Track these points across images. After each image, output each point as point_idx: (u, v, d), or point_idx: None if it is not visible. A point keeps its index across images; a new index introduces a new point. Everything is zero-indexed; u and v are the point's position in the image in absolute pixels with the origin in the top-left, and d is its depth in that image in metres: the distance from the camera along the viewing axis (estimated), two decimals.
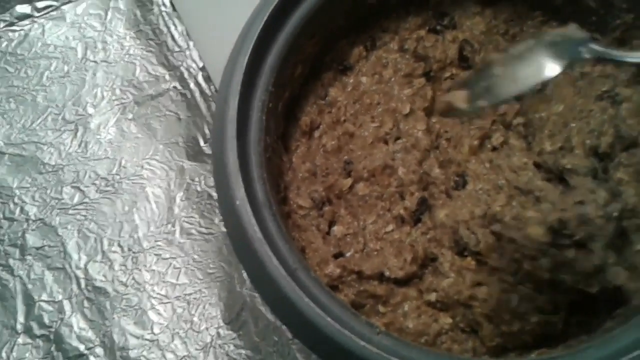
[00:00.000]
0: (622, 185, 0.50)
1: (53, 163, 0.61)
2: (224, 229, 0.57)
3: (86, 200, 0.59)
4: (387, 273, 0.49)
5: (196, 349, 0.54)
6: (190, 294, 0.56)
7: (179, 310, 0.56)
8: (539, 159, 0.50)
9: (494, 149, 0.53)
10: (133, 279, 0.57)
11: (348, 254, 0.51)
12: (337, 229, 0.52)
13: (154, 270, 0.57)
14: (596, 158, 0.51)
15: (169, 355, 0.54)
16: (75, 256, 0.58)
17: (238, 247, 0.44)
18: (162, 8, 0.65)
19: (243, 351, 0.53)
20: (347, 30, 0.56)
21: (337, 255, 0.50)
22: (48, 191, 0.60)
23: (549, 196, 0.48)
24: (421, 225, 0.51)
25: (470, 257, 0.48)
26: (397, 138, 0.53)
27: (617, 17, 0.51)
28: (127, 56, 0.64)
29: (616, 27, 0.52)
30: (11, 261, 0.58)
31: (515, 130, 0.53)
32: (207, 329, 0.55)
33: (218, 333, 0.54)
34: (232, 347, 0.54)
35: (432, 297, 0.48)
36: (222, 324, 0.55)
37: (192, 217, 0.58)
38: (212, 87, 0.62)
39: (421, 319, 0.48)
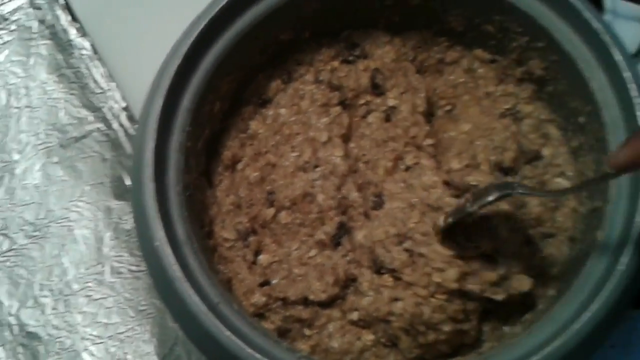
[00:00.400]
0: (527, 196, 0.52)
1: None
2: None
3: (15, 246, 0.59)
4: (311, 297, 0.50)
5: None
6: (123, 332, 0.56)
7: (113, 350, 0.55)
8: (448, 177, 0.53)
9: (408, 168, 0.55)
10: (65, 321, 0.56)
11: (274, 282, 0.52)
12: (262, 258, 0.53)
13: (85, 311, 0.57)
14: (501, 173, 0.54)
15: None
16: (6, 303, 0.57)
17: (160, 287, 0.45)
18: (83, 52, 0.65)
19: None
20: (264, 65, 0.58)
21: (263, 284, 0.52)
22: None
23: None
24: (341, 248, 0.52)
25: (387, 274, 0.50)
26: (316, 166, 0.55)
27: (514, 40, 0.54)
28: (50, 100, 0.64)
29: (513, 50, 0.55)
30: None
31: (426, 150, 0.55)
32: None
33: None
34: None
35: (354, 316, 0.50)
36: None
37: (121, 256, 0.58)
38: (135, 126, 0.62)
39: (345, 338, 0.50)
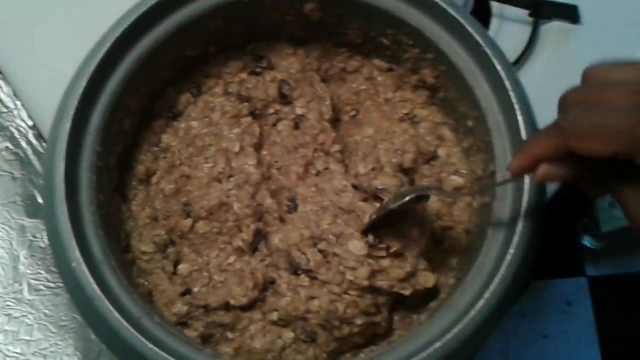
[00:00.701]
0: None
1: None
2: None
3: None
4: (232, 302, 0.51)
5: None
6: (46, 348, 0.56)
7: None
8: (356, 181, 0.55)
9: (318, 173, 0.57)
10: None
11: (195, 290, 0.53)
12: (182, 267, 0.54)
13: (6, 330, 0.56)
14: (403, 173, 0.56)
15: None
16: None
17: (80, 306, 0.45)
18: None
19: None
20: (173, 79, 0.58)
21: (184, 293, 0.52)
22: None
23: (367, 214, 0.53)
24: (259, 253, 0.53)
25: (304, 275, 0.52)
26: (230, 175, 0.55)
27: (406, 51, 0.57)
28: None
29: (407, 60, 0.58)
30: None
31: (334, 156, 0.57)
32: None
33: None
34: None
35: (274, 316, 0.51)
36: None
37: (38, 273, 0.58)
38: (44, 144, 0.61)
39: (267, 338, 0.51)
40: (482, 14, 0.68)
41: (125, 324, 0.43)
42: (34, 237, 0.59)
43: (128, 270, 0.50)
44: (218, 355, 0.46)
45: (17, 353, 0.55)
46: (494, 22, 0.68)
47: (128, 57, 0.51)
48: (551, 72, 0.66)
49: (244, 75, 0.60)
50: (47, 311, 0.57)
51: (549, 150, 0.38)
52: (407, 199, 0.49)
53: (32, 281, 0.58)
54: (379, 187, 0.54)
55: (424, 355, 0.42)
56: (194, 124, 0.58)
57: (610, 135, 0.34)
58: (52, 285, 0.57)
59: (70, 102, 0.48)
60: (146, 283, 0.52)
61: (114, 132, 0.52)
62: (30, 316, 0.57)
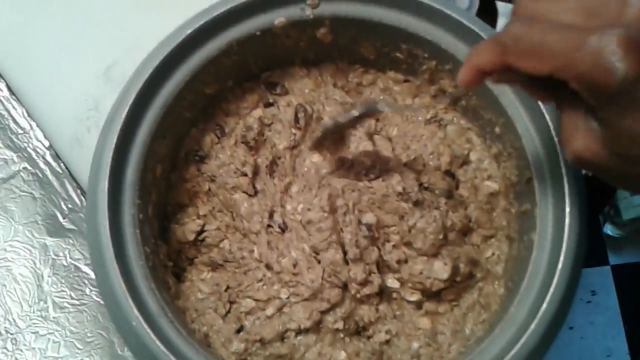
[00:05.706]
0: (466, 201, 0.54)
1: None
2: (96, 299, 0.58)
3: None
4: (293, 327, 0.50)
5: None
6: None
7: None
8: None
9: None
10: (15, 359, 0.56)
11: (248, 325, 0.51)
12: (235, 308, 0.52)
13: (34, 348, 0.57)
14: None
15: None
16: None
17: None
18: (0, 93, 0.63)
19: None
20: (194, 119, 0.56)
21: (239, 330, 0.51)
22: None
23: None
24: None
25: None
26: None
27: (423, 64, 0.55)
28: None
29: (424, 72, 0.56)
30: None
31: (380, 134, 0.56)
32: None
33: None
34: None
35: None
36: None
37: (62, 291, 0.58)
38: (61, 164, 0.62)
39: None
40: (488, 14, 0.66)
41: None
42: (57, 255, 0.59)
43: (182, 317, 0.49)
44: None
45: None
46: (500, 22, 0.67)
47: (152, 106, 0.50)
48: None
49: (259, 112, 0.57)
50: (72, 328, 0.57)
51: (491, 65, 0.35)
52: (354, 113, 0.50)
53: (57, 299, 0.58)
54: (425, 185, 0.53)
55: None
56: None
57: (546, 56, 0.32)
58: (76, 302, 0.58)
59: (104, 159, 0.47)
60: (201, 326, 0.51)
61: (148, 181, 0.50)
62: (56, 333, 0.57)
